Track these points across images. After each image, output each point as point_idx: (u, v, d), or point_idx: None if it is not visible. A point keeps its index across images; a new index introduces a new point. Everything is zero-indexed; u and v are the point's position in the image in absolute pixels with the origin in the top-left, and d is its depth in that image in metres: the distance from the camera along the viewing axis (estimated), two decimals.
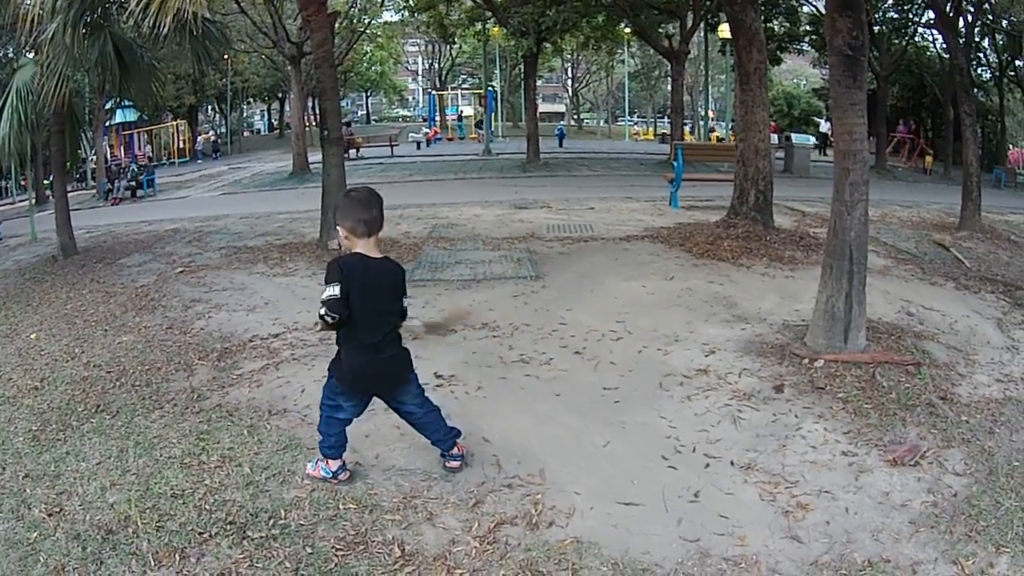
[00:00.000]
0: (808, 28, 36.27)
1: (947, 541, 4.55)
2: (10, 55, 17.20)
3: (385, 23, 55.99)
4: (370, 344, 4.99)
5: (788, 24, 35.04)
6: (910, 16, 34.26)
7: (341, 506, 4.98)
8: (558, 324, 8.50)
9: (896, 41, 35.21)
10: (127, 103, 39.24)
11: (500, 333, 8.31)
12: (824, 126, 52.15)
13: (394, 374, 5.18)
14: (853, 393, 6.45)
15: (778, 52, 34.16)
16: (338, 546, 4.60)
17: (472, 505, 4.97)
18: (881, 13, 33.42)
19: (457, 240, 13.76)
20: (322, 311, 4.81)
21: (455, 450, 5.43)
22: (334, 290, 4.79)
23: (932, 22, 29.88)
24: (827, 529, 4.68)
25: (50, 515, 5.21)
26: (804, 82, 71.44)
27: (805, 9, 35.75)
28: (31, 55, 14.89)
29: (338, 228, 5.03)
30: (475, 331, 8.43)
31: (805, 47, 39.34)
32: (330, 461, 5.25)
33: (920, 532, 4.64)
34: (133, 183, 32.46)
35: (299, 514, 4.91)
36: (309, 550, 4.58)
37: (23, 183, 46.45)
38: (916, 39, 36.73)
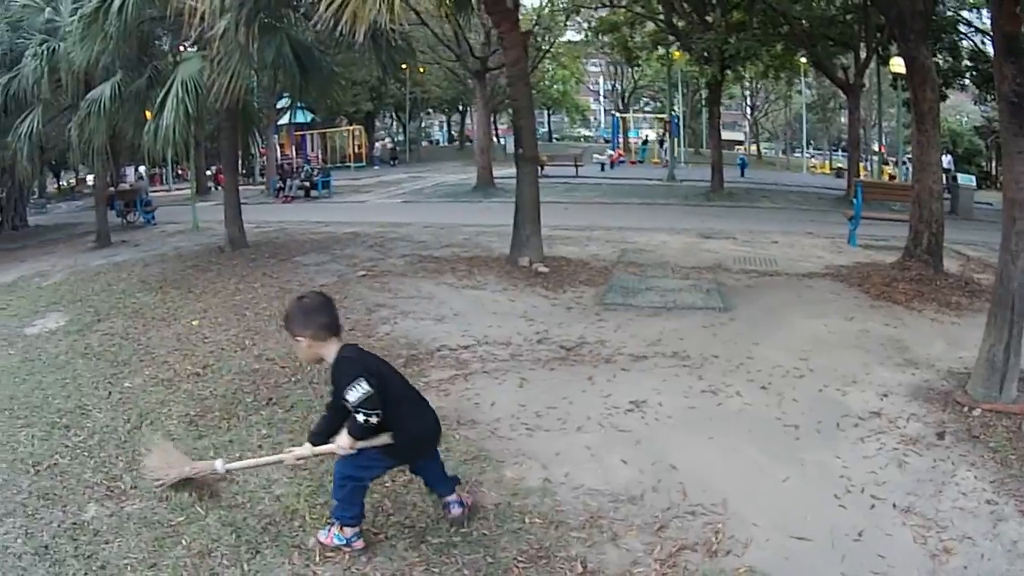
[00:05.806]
0: (968, 63, 35.03)
1: None
2: (166, 48, 17.70)
3: (568, 42, 56.27)
4: (424, 407, 5.01)
5: (951, 59, 33.93)
6: None
7: (527, 520, 5.18)
8: (745, 358, 8.60)
9: None
10: (301, 104, 40.10)
11: (690, 363, 8.44)
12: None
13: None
14: (1002, 443, 6.47)
15: (943, 88, 33.03)
16: (520, 559, 4.80)
17: (656, 529, 5.13)
18: None
19: (646, 266, 13.86)
20: (361, 417, 4.48)
21: (453, 496, 5.16)
22: (363, 385, 4.45)
23: None
24: (964, 573, 4.79)
25: (201, 499, 5.38)
26: (966, 119, 68.98)
27: (965, 43, 34.54)
28: (192, 49, 15.39)
29: (299, 338, 4.68)
30: (666, 359, 8.56)
31: (966, 82, 37.99)
32: (346, 529, 4.87)
33: None
34: (307, 183, 33.59)
35: (483, 524, 5.13)
36: (490, 560, 4.79)
37: (179, 172, 48.04)
38: None
